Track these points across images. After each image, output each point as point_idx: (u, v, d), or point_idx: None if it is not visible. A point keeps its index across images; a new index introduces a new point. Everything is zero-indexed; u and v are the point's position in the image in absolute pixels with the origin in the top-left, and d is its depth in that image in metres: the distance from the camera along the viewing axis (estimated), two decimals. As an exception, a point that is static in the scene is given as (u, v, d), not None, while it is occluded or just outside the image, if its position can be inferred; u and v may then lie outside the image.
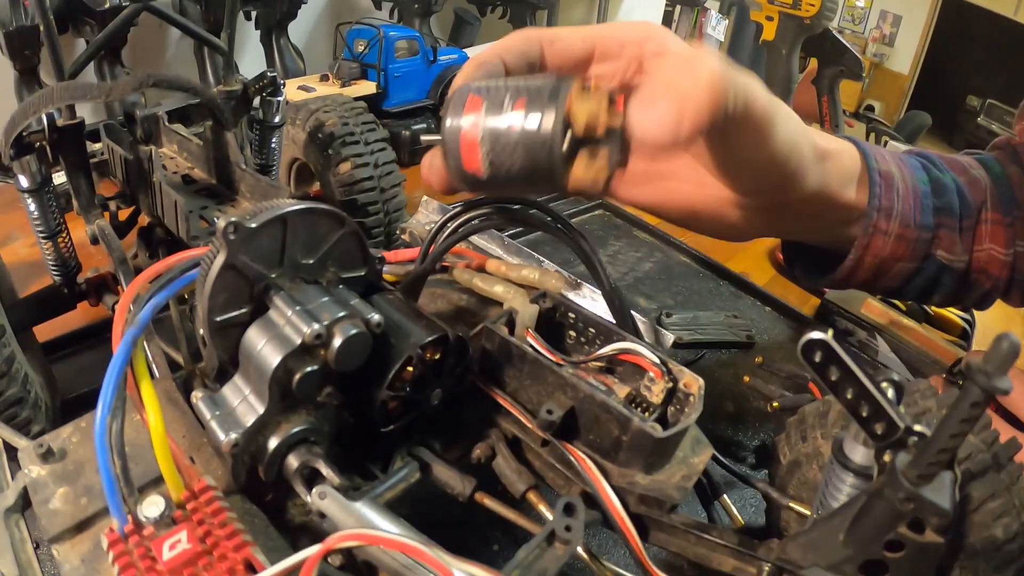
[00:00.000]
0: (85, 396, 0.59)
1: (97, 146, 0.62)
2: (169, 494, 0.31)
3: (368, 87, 1.01)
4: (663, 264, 0.96)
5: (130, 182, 0.55)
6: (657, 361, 0.41)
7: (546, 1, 1.45)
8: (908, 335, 0.87)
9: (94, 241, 0.53)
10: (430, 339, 0.37)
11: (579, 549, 0.35)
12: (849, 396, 0.30)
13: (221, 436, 0.32)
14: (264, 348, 0.32)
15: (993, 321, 1.06)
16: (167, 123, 0.61)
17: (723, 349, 0.81)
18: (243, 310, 0.34)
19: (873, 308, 0.89)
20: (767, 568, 0.35)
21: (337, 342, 0.32)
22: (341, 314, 0.33)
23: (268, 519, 0.33)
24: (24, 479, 0.35)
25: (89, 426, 0.38)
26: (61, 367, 0.62)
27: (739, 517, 0.46)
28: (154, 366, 0.40)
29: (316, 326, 0.32)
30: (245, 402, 0.33)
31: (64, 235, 0.54)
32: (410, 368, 0.37)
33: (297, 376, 0.32)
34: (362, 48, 1.01)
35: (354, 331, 0.33)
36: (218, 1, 0.89)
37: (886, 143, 1.60)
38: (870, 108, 3.52)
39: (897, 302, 0.92)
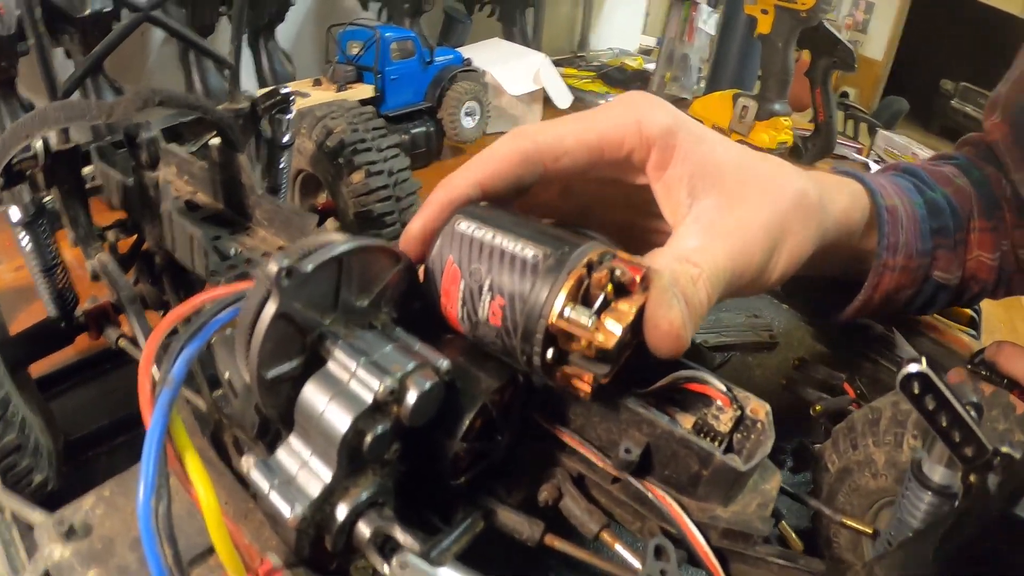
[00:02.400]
0: (90, 437, 0.55)
1: (88, 169, 0.57)
2: (227, 580, 0.27)
3: (365, 90, 0.96)
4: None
5: (131, 210, 0.50)
6: (724, 389, 0.38)
7: (534, -3, 1.43)
8: (921, 326, 0.86)
9: (95, 278, 0.48)
10: (502, 383, 0.33)
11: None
12: (944, 423, 0.31)
13: (285, 510, 0.27)
14: (330, 409, 0.28)
15: (997, 308, 1.06)
16: (163, 142, 0.56)
17: (748, 351, 0.78)
18: (295, 363, 0.30)
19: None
20: None
21: (412, 397, 0.28)
22: (412, 365, 0.29)
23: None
24: (44, 562, 0.31)
25: (114, 495, 0.34)
26: (59, 404, 0.57)
27: (798, 541, 0.45)
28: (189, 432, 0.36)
29: (388, 381, 0.28)
30: (307, 468, 0.29)
31: (61, 267, 0.49)
32: (481, 417, 0.33)
33: (369, 438, 0.28)
34: (357, 50, 0.97)
35: (429, 384, 0.29)
36: (205, 4, 0.84)
37: (875, 133, 1.59)
38: (845, 95, 3.52)
39: None
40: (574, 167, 0.38)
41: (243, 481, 0.33)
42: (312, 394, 0.29)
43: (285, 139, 0.54)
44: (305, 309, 0.29)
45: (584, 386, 0.33)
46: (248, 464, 0.29)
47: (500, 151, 0.37)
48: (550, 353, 0.32)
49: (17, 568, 0.34)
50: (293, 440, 0.30)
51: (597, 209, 0.44)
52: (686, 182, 0.38)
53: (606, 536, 0.38)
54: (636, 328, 0.33)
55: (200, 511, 0.28)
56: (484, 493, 0.37)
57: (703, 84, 1.60)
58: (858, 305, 0.52)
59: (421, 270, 0.36)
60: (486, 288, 0.33)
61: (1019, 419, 0.40)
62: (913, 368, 0.30)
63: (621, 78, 1.58)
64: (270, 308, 0.28)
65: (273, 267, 0.27)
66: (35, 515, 0.34)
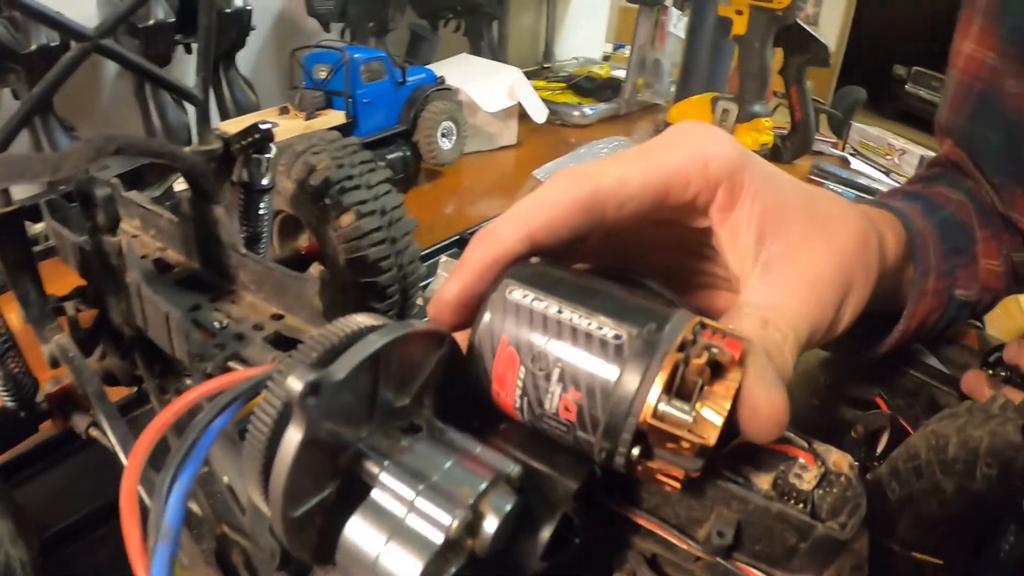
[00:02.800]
0: (67, 531, 0.49)
1: (38, 227, 0.50)
2: None
3: (337, 117, 0.90)
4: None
5: (91, 278, 0.42)
6: (805, 445, 0.34)
7: (498, 10, 1.38)
8: None
9: (54, 364, 0.41)
10: (581, 483, 0.26)
11: None
12: None
13: None
14: (388, 554, 0.21)
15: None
16: (121, 191, 0.48)
17: None
18: (327, 491, 0.23)
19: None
20: None
21: (491, 526, 0.22)
22: (484, 484, 0.22)
23: None
24: None
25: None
26: (28, 493, 0.52)
27: None
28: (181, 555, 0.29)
29: (461, 512, 0.21)
30: (358, 631, 0.22)
31: (13, 352, 0.42)
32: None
33: (441, 585, 0.21)
34: (324, 74, 0.90)
35: (509, 507, 0.22)
36: (159, 34, 0.76)
37: (844, 125, 1.58)
38: (802, 89, 3.55)
39: None
40: (637, 214, 0.32)
41: None
42: (361, 534, 0.22)
43: (264, 182, 0.47)
44: (337, 426, 0.22)
45: (673, 482, 0.28)
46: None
47: (555, 197, 0.31)
48: (636, 451, 0.26)
49: None
50: (335, 591, 0.23)
51: (641, 252, 0.39)
52: (755, 226, 0.34)
53: None
54: (730, 423, 0.28)
55: None
56: None
57: (673, 89, 1.57)
58: (897, 336, 0.49)
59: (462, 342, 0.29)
60: (555, 379, 0.26)
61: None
62: None
63: (591, 87, 1.54)
64: (294, 437, 0.21)
65: (295, 384, 0.20)
66: None
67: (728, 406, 0.26)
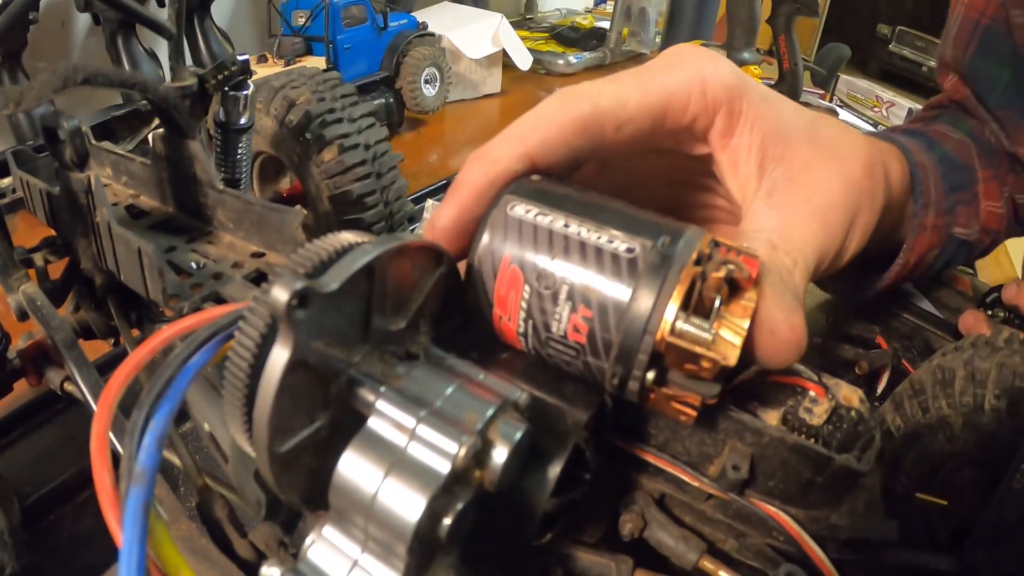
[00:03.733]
0: (49, 497, 0.48)
1: (5, 182, 0.47)
2: None
3: (317, 63, 0.88)
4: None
5: (60, 225, 0.40)
6: (816, 378, 0.33)
7: (480, -44, 1.34)
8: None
9: (21, 316, 0.38)
10: (592, 414, 0.24)
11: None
12: None
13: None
14: (388, 488, 0.19)
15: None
16: (92, 140, 0.46)
17: None
18: (318, 424, 0.21)
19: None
20: None
21: (500, 455, 0.20)
22: (492, 410, 0.20)
23: None
24: None
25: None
26: (7, 460, 0.51)
27: None
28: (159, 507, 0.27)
29: (468, 439, 0.19)
30: (359, 572, 0.20)
31: (-19, 307, 0.40)
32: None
33: (448, 520, 0.20)
34: (303, 20, 0.88)
35: (519, 434, 0.20)
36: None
37: (830, 80, 1.57)
38: (789, 43, 3.53)
39: None
40: (635, 138, 0.31)
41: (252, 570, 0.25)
42: (356, 468, 0.20)
43: (243, 120, 0.44)
44: (327, 347, 0.20)
45: (689, 410, 0.26)
46: (270, 576, 0.20)
47: (552, 116, 0.29)
48: (651, 375, 0.24)
49: None
50: (330, 532, 0.21)
51: (639, 186, 0.37)
52: (755, 152, 0.32)
53: (707, 564, 0.32)
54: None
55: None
56: (557, 538, 0.29)
57: (659, 39, 1.55)
58: (897, 270, 0.48)
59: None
60: (563, 297, 0.24)
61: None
62: None
63: (575, 37, 1.52)
64: (281, 355, 0.19)
65: (281, 293, 0.18)
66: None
67: (747, 325, 0.24)
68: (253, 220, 0.36)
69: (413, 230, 0.47)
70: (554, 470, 0.23)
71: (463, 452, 0.19)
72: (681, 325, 0.23)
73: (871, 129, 1.33)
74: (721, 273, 0.23)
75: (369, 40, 0.91)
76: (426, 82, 0.97)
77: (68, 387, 0.42)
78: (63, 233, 0.40)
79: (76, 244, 0.39)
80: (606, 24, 1.53)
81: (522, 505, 0.24)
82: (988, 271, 1.03)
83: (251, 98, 0.44)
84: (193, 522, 0.30)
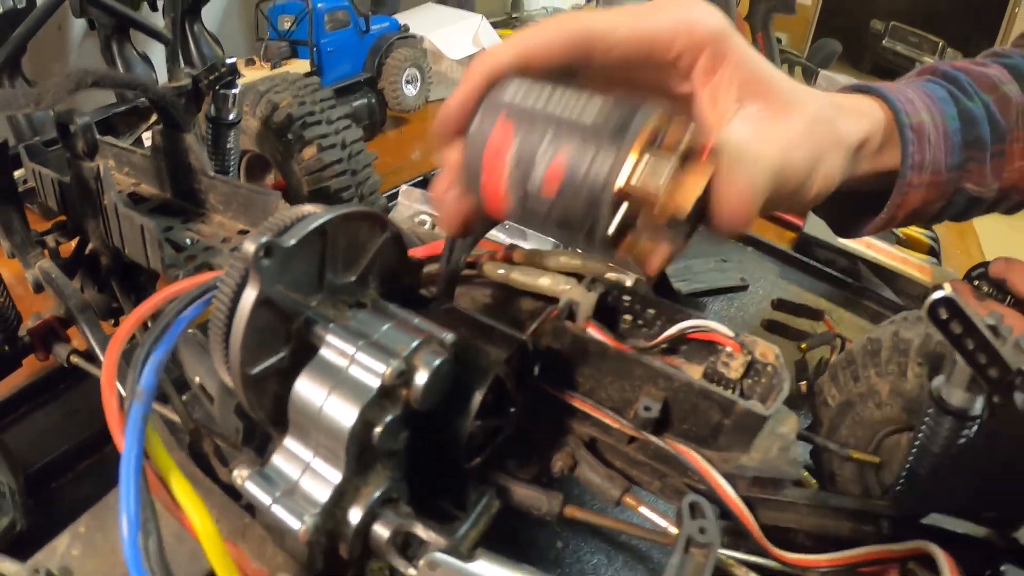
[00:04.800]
0: (51, 466, 0.51)
1: (18, 173, 0.53)
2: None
3: (302, 66, 0.92)
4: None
5: (71, 209, 0.45)
6: (732, 335, 0.37)
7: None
8: (885, 256, 0.88)
9: (38, 288, 0.44)
10: (512, 353, 0.30)
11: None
12: (970, 347, 0.31)
13: (294, 524, 0.24)
14: (331, 402, 0.25)
15: (950, 235, 1.10)
16: (96, 134, 0.51)
17: (721, 295, 0.81)
18: (281, 354, 0.26)
19: (849, 235, 0.89)
20: (886, 524, 0.34)
21: (422, 377, 0.25)
22: (417, 342, 0.26)
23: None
24: (26, 616, 0.27)
25: (91, 531, 0.30)
26: (12, 435, 0.54)
27: (812, 480, 0.46)
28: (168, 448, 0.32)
29: (395, 362, 0.25)
30: (310, 472, 0.25)
31: (-1, 285, 0.45)
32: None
33: (379, 429, 0.25)
34: (288, 24, 0.92)
35: (439, 361, 0.26)
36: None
37: (811, 75, 1.60)
38: (777, 40, 3.56)
39: None
40: (621, 63, 0.35)
41: (233, 494, 0.30)
42: (308, 387, 0.25)
43: (231, 116, 0.50)
44: (289, 292, 0.26)
45: (656, 259, 0.30)
46: (242, 477, 0.26)
47: (547, 30, 0.34)
48: (615, 223, 0.28)
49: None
50: (289, 443, 0.26)
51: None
52: (735, 89, 0.36)
53: (629, 500, 0.36)
54: (701, 207, 0.30)
55: (194, 536, 0.24)
56: (495, 471, 0.35)
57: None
58: (880, 223, 0.51)
59: (459, 148, 0.32)
60: (541, 151, 0.29)
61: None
62: (939, 294, 0.30)
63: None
64: (250, 294, 0.24)
65: (250, 246, 0.24)
66: (6, 565, 0.30)
67: (703, 183, 0.28)
68: (240, 202, 0.42)
69: (387, 212, 0.52)
70: (476, 397, 0.29)
71: (389, 372, 0.24)
72: (640, 173, 0.27)
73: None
74: (677, 133, 0.28)
75: (352, 43, 0.95)
76: (407, 82, 1.01)
77: (74, 359, 0.47)
78: (73, 216, 0.46)
79: (86, 225, 0.44)
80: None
81: (451, 428, 0.29)
82: (956, 259, 1.08)
83: (238, 96, 0.49)
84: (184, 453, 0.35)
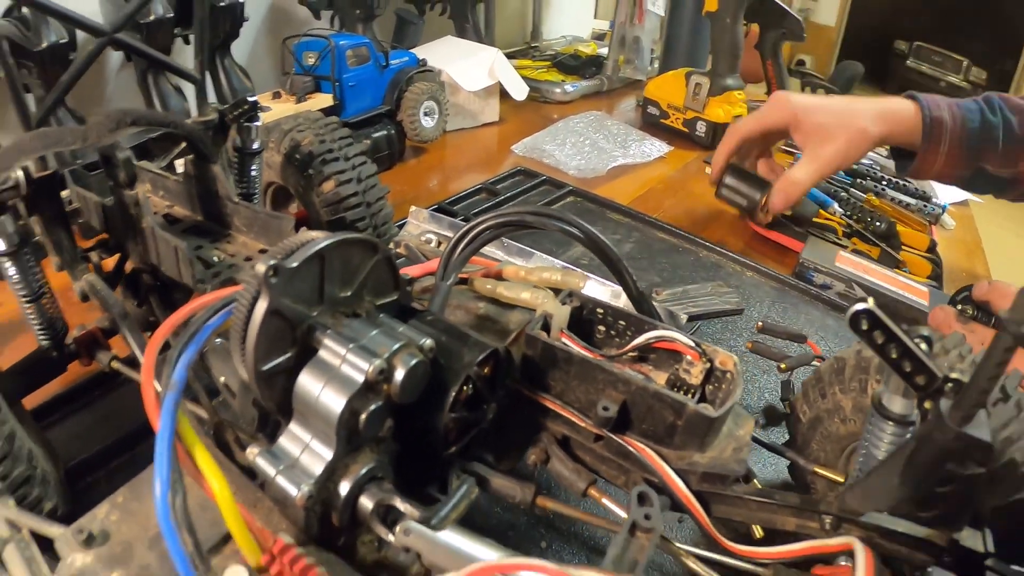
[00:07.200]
0: (88, 462, 0.56)
1: (64, 194, 0.59)
2: (246, 560, 0.29)
3: (324, 100, 0.98)
4: (642, 243, 0.97)
5: (112, 230, 0.51)
6: (693, 344, 0.41)
7: (483, -7, 1.44)
8: (882, 280, 0.89)
9: (84, 298, 0.50)
10: (483, 356, 0.35)
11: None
12: (894, 355, 0.33)
13: (292, 490, 0.30)
14: (325, 393, 0.30)
15: (958, 260, 1.10)
16: (134, 161, 0.57)
17: (716, 318, 0.82)
18: (288, 355, 0.32)
19: (846, 260, 0.91)
20: (828, 520, 0.36)
21: (400, 375, 0.31)
22: (397, 345, 0.31)
23: (345, 564, 0.31)
24: (68, 570, 0.32)
25: (127, 501, 0.35)
26: (54, 434, 0.59)
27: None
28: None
29: (377, 361, 0.30)
30: (309, 451, 0.31)
31: (48, 295, 0.51)
32: (466, 388, 0.35)
33: (363, 416, 0.30)
34: (312, 60, 0.98)
35: (415, 361, 0.31)
36: (160, 28, 0.85)
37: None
38: (801, 63, 3.59)
39: (866, 251, 0.98)
40: (761, 135, 0.89)
41: (249, 474, 0.34)
42: (307, 381, 0.31)
43: (255, 146, 0.56)
44: (293, 303, 0.31)
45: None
46: (253, 454, 0.31)
47: (736, 131, 0.89)
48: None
49: (40, 582, 0.36)
50: (293, 427, 0.32)
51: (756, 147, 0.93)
52: (803, 138, 0.83)
53: (593, 492, 0.40)
54: None
55: (214, 502, 0.30)
56: (477, 463, 0.40)
57: (657, 64, 1.63)
58: (915, 169, 0.82)
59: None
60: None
61: (963, 346, 0.43)
62: (860, 306, 0.32)
63: (575, 65, 1.60)
64: (261, 305, 0.30)
65: (261, 267, 0.29)
66: (53, 529, 0.35)
67: None
68: (260, 225, 0.47)
69: (398, 241, 0.57)
70: (451, 392, 0.34)
71: (372, 369, 0.30)
72: None
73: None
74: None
75: (372, 77, 1.00)
76: (425, 114, 1.06)
77: (114, 365, 0.53)
78: (115, 236, 0.52)
79: (126, 244, 0.50)
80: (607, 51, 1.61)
81: (429, 420, 0.34)
82: (962, 282, 1.09)
83: (260, 129, 0.55)
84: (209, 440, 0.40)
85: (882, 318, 0.32)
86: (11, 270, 0.48)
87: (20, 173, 0.44)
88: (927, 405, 0.34)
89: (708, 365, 0.41)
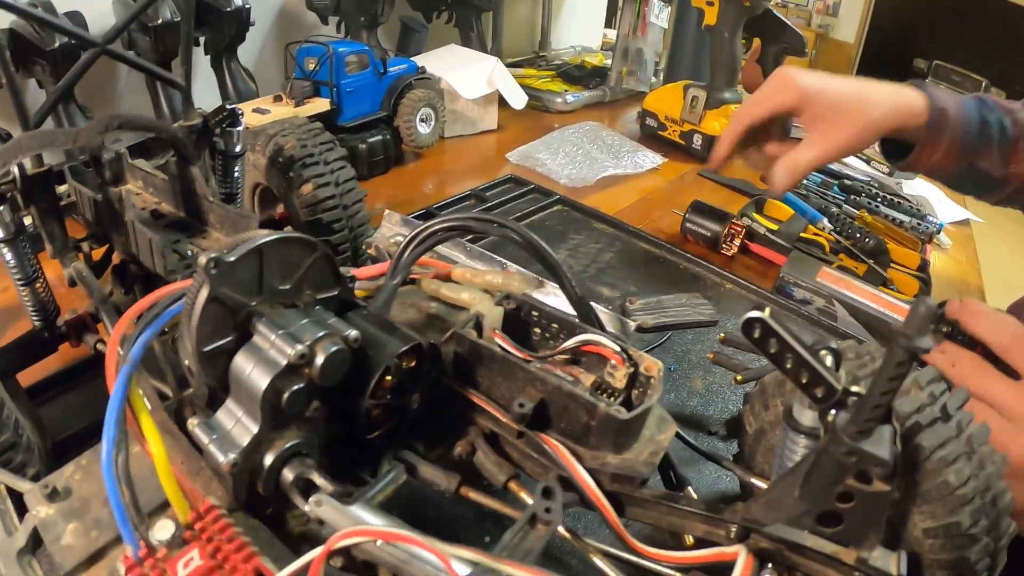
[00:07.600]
0: (74, 437, 0.60)
1: (62, 188, 0.64)
2: (177, 517, 0.33)
3: (322, 104, 1.02)
4: (624, 253, 0.99)
5: (101, 222, 0.56)
6: (617, 349, 0.44)
7: (490, 2, 1.48)
8: (866, 298, 0.90)
9: (72, 284, 0.54)
10: (404, 348, 0.39)
11: (561, 529, 0.38)
12: (789, 366, 0.33)
13: (220, 457, 0.34)
14: (253, 372, 0.34)
15: (951, 279, 1.11)
16: (129, 159, 0.62)
17: (688, 329, 0.83)
18: (228, 338, 0.36)
19: (828, 276, 0.92)
20: (734, 529, 0.37)
21: (320, 360, 0.35)
22: (321, 333, 0.35)
23: (270, 531, 0.35)
24: (33, 520, 0.37)
25: (90, 463, 0.40)
26: (46, 411, 0.63)
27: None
28: (146, 399, 0.42)
29: (299, 347, 0.34)
30: (239, 424, 0.35)
31: (41, 280, 0.56)
32: (388, 377, 0.39)
33: (285, 395, 0.35)
34: (312, 66, 1.02)
35: (334, 348, 0.35)
36: (168, 31, 0.90)
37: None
38: (817, 78, 3.58)
39: (852, 267, 0.98)
40: (766, 114, 0.82)
41: (198, 448, 0.38)
42: (240, 362, 0.35)
43: (237, 149, 0.60)
44: (233, 293, 0.35)
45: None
46: (192, 424, 0.36)
47: (744, 112, 0.83)
48: None
49: (11, 531, 0.40)
50: (229, 403, 0.36)
51: (767, 127, 0.85)
52: (811, 119, 0.78)
53: (513, 486, 0.43)
54: None
55: (151, 459, 0.34)
56: (408, 451, 0.43)
57: (661, 76, 1.65)
58: (911, 161, 0.82)
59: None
60: None
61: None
62: (753, 313, 0.32)
63: (579, 75, 1.63)
64: (203, 293, 0.34)
65: (203, 259, 0.33)
66: (24, 484, 0.40)
67: None
68: (231, 223, 0.52)
69: (370, 243, 0.61)
70: (372, 379, 0.38)
71: (293, 353, 0.34)
72: None
73: (860, 164, 1.42)
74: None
75: (371, 83, 1.04)
76: (421, 121, 1.09)
77: (100, 347, 0.58)
78: (103, 228, 0.57)
79: (112, 236, 0.55)
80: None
81: (352, 405, 0.38)
82: (947, 271, 1.08)
83: (243, 133, 0.60)
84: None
85: (775, 327, 0.32)
86: (8, 255, 0.52)
87: (16, 169, 0.49)
88: (829, 418, 0.34)
89: (632, 370, 0.43)
